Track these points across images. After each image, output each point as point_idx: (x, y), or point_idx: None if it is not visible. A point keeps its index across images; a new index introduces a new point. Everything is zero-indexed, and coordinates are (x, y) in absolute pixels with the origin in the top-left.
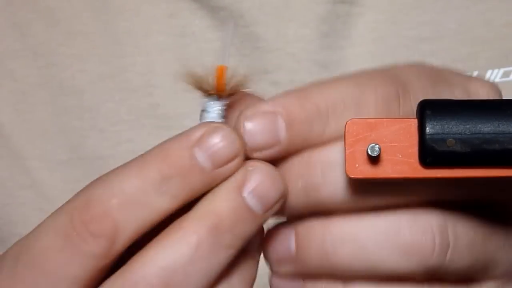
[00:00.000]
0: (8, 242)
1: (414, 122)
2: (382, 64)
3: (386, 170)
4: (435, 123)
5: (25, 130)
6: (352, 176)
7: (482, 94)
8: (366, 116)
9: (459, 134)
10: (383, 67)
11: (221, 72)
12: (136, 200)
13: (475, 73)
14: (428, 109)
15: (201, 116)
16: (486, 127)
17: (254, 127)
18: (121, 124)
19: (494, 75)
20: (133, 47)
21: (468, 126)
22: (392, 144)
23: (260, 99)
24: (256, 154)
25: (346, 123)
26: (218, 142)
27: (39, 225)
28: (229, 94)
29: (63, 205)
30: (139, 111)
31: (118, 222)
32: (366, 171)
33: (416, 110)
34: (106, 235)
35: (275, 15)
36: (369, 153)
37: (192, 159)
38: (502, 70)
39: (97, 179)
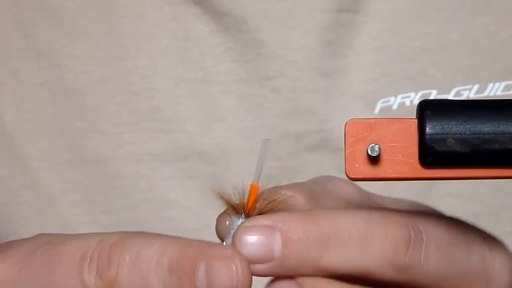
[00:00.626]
0: (6, 241)
1: (414, 122)
2: (382, 73)
3: (386, 170)
4: (435, 123)
5: (27, 130)
6: (352, 176)
7: (498, 267)
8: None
9: (459, 134)
10: (410, 206)
11: (254, 191)
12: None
13: (475, 87)
14: (428, 109)
15: (228, 232)
16: (486, 127)
17: (249, 239)
18: (122, 126)
19: (496, 88)
20: (136, 49)
21: (468, 126)
22: (392, 144)
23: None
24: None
25: (346, 123)
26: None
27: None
28: (258, 214)
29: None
30: (140, 114)
31: (119, 278)
32: (366, 171)
33: (416, 110)
34: (104, 280)
35: (278, 22)
36: (369, 153)
37: None
38: (503, 84)
39: (139, 235)
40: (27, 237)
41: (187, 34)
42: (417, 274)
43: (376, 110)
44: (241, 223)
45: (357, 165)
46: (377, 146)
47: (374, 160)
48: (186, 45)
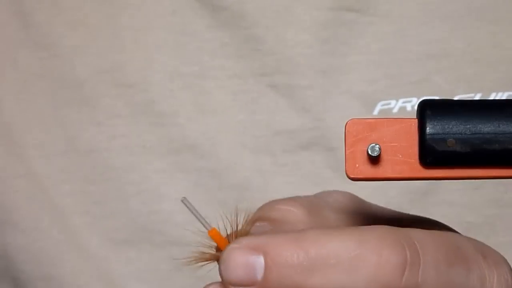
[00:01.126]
0: (1, 228)
1: (414, 122)
2: (384, 75)
3: (386, 170)
4: (435, 123)
5: (24, 119)
6: (352, 176)
7: (497, 286)
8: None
9: (459, 134)
10: (409, 219)
11: (215, 234)
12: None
13: (478, 95)
14: (428, 109)
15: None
16: (486, 127)
17: (232, 260)
18: (117, 118)
19: (498, 98)
20: (133, 42)
21: (468, 126)
22: (392, 144)
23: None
24: None
25: (347, 123)
26: None
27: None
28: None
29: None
30: (134, 106)
31: None
32: (366, 171)
33: (416, 110)
34: None
35: (275, 19)
36: (369, 153)
37: None
38: (506, 94)
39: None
40: (20, 226)
41: (185, 28)
42: None
43: (375, 112)
44: (227, 245)
45: (357, 165)
46: (377, 146)
47: (374, 160)
48: (183, 39)
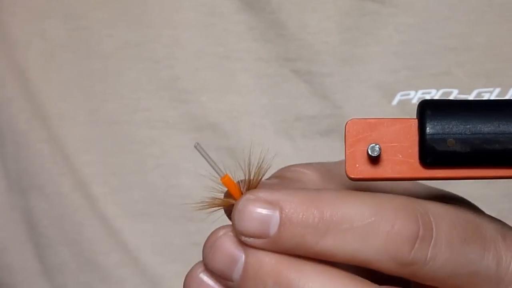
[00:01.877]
0: (26, 192)
1: (415, 122)
2: (405, 66)
3: (386, 170)
4: (435, 123)
5: (49, 88)
6: (352, 176)
7: None
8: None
9: (459, 134)
10: (426, 192)
11: (229, 181)
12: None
13: (497, 90)
14: (429, 109)
15: None
16: (486, 127)
17: (247, 211)
18: (140, 92)
19: None
20: (161, 19)
21: (468, 126)
22: (392, 144)
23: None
24: (242, 239)
25: (346, 123)
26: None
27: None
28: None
29: None
30: (159, 82)
31: None
32: (366, 171)
33: (416, 110)
34: None
35: (299, 5)
36: (369, 153)
37: None
38: None
39: None
40: (44, 191)
41: (213, 10)
42: (422, 270)
43: (394, 102)
44: (243, 195)
45: (357, 165)
46: (377, 146)
47: (374, 160)
48: (211, 20)
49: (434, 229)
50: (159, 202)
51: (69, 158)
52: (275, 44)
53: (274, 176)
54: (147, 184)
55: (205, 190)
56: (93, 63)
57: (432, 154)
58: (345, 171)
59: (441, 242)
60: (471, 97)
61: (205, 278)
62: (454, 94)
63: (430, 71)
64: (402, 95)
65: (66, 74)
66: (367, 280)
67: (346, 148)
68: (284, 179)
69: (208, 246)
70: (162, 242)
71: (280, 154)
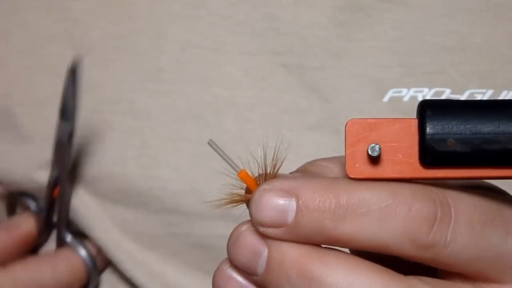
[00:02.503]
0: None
1: (415, 122)
2: (398, 63)
3: (386, 170)
4: (435, 123)
5: (30, 77)
6: (352, 176)
7: None
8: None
9: (459, 134)
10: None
11: (245, 175)
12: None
13: (489, 92)
14: (429, 109)
15: None
16: (486, 127)
17: (264, 201)
18: (124, 84)
19: (510, 96)
20: (147, 11)
21: (468, 126)
22: (392, 144)
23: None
24: (261, 230)
25: (347, 123)
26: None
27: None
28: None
29: None
30: (143, 73)
31: None
32: (366, 171)
33: (417, 110)
34: None
35: None
36: (370, 153)
37: None
38: None
39: None
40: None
41: (199, 2)
42: (441, 253)
43: (385, 99)
44: (259, 186)
45: (357, 165)
46: (377, 146)
47: (374, 160)
48: (197, 13)
49: (452, 211)
50: (138, 193)
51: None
52: (264, 38)
53: (297, 170)
54: (125, 174)
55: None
56: (77, 54)
57: (432, 154)
58: (345, 171)
59: (461, 224)
60: (463, 97)
61: (233, 274)
62: (447, 94)
63: (423, 69)
64: (394, 92)
65: (48, 64)
66: (390, 270)
67: (346, 148)
68: (307, 173)
69: (232, 241)
70: (142, 232)
71: (264, 147)
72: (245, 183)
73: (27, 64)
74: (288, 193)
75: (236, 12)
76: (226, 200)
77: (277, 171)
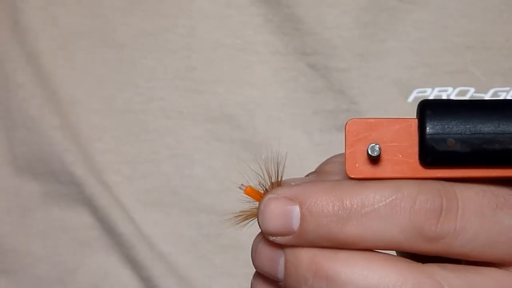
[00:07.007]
0: (40, 179)
1: (414, 122)
2: (422, 63)
3: (386, 170)
4: (435, 123)
5: (62, 75)
6: (352, 176)
7: None
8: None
9: (459, 134)
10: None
11: (251, 191)
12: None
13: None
14: (429, 109)
15: None
16: (486, 127)
17: (269, 210)
18: (155, 82)
19: None
20: (177, 8)
21: (468, 126)
22: (392, 144)
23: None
24: (271, 239)
25: (346, 123)
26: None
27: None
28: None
29: None
30: (174, 72)
31: None
32: (366, 171)
33: (416, 110)
34: None
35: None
36: (369, 153)
37: None
38: None
39: None
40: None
41: (230, 1)
42: (453, 243)
43: (410, 99)
44: (264, 196)
45: (357, 165)
46: (377, 146)
47: (374, 160)
48: (227, 11)
49: (459, 200)
50: (171, 193)
51: (81, 146)
52: (291, 38)
53: (314, 171)
54: (160, 174)
55: (219, 183)
56: (108, 51)
57: (432, 154)
58: (345, 171)
59: (469, 212)
60: (487, 96)
61: (261, 281)
62: (471, 93)
63: (447, 69)
64: (418, 92)
65: (79, 61)
66: (406, 259)
67: (346, 148)
68: (321, 174)
69: (253, 251)
70: (173, 233)
71: (295, 147)
72: (252, 198)
73: (59, 62)
74: (291, 200)
75: (265, 11)
76: (241, 217)
77: (281, 177)
